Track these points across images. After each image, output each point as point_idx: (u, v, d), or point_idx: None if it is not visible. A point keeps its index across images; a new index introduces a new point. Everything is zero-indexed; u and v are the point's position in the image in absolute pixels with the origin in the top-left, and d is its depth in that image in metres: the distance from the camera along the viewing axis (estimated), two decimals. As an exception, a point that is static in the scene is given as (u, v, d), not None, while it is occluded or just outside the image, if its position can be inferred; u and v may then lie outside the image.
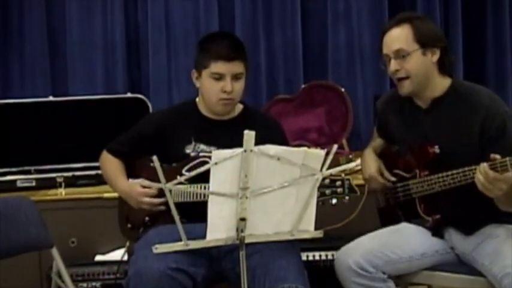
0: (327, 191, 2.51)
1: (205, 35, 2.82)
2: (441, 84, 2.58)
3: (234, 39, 2.74)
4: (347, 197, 2.53)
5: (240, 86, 2.64)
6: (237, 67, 2.61)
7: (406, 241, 2.60)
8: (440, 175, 2.51)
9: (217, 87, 2.61)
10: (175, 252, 2.27)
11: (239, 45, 2.68)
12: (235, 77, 2.62)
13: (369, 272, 2.50)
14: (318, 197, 2.18)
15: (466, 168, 2.41)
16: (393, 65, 2.55)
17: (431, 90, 2.58)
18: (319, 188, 2.17)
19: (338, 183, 2.52)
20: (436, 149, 2.54)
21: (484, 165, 2.28)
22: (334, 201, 2.52)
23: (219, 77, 2.60)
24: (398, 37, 2.53)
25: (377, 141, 2.88)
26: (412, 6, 4.23)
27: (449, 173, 2.47)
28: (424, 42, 2.52)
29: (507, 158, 2.25)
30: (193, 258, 2.44)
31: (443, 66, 2.57)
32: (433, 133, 2.58)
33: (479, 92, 2.55)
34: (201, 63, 2.64)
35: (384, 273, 2.52)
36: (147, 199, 2.62)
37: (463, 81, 2.74)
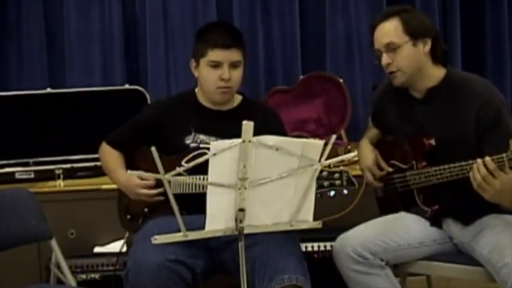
0: (325, 183, 2.49)
1: (203, 25, 2.81)
2: (435, 74, 2.57)
3: (231, 27, 2.75)
4: (345, 190, 2.52)
5: (238, 74, 2.64)
6: (235, 55, 2.61)
7: (405, 229, 2.60)
8: (437, 168, 2.50)
9: (215, 75, 2.60)
10: (174, 244, 2.27)
11: (236, 33, 2.68)
12: (233, 65, 2.61)
13: (367, 259, 2.51)
14: (316, 189, 2.16)
15: (463, 163, 2.40)
16: (385, 58, 2.54)
17: (426, 81, 2.57)
18: (317, 180, 2.16)
19: (336, 175, 2.50)
20: (433, 141, 2.54)
21: (486, 158, 2.27)
22: (332, 193, 2.50)
23: (217, 65, 2.60)
24: (388, 31, 2.53)
25: (373, 132, 2.88)
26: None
27: (447, 166, 2.46)
28: (414, 33, 2.51)
29: (503, 154, 2.25)
30: (192, 250, 2.44)
31: (436, 56, 2.57)
32: (428, 123, 2.57)
33: (474, 82, 2.55)
34: (199, 52, 2.64)
35: (381, 260, 2.53)
36: (144, 191, 2.61)
37: (458, 71, 2.74)
